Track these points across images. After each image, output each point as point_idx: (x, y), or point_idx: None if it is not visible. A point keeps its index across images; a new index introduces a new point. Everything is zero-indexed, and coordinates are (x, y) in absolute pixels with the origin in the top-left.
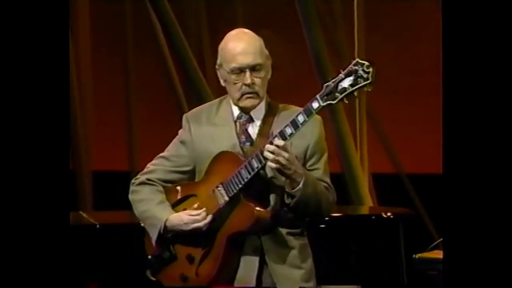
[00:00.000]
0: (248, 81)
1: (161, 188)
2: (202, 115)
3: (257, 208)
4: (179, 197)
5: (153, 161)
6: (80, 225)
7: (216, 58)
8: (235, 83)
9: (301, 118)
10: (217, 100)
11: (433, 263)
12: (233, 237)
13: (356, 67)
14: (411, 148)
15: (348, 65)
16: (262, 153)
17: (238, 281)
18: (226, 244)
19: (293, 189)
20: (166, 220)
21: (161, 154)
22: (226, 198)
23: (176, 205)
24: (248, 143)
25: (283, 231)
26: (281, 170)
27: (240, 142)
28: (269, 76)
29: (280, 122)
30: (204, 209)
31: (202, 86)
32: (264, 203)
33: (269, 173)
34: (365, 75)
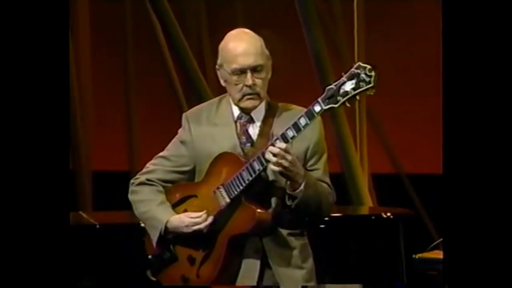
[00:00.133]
0: (250, 82)
1: (161, 188)
2: (202, 115)
3: (259, 210)
4: (179, 197)
5: (153, 161)
6: (80, 225)
7: (216, 58)
8: (236, 84)
9: (303, 121)
10: (216, 99)
11: (433, 263)
12: (235, 239)
13: (358, 71)
14: (411, 148)
15: (350, 68)
16: (263, 155)
17: (239, 282)
18: (227, 246)
19: (294, 190)
20: (167, 222)
21: (161, 154)
22: (227, 200)
23: (176, 206)
24: (248, 144)
25: (284, 232)
26: (283, 172)
27: (240, 143)
28: (269, 76)
29: (280, 123)
30: (205, 211)
31: (202, 86)
32: (265, 205)
33: (270, 175)
34: (367, 79)
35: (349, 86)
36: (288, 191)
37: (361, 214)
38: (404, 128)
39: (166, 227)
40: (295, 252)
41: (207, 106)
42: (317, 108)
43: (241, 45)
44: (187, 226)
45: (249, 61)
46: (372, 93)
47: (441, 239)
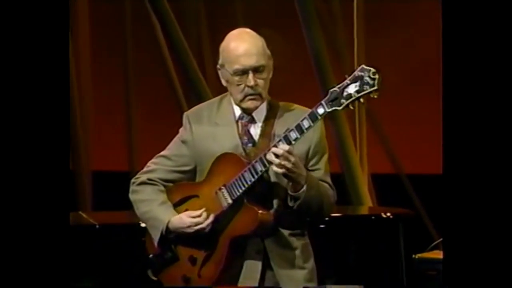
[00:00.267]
0: (251, 83)
1: (162, 188)
2: (203, 114)
3: (261, 211)
4: (181, 197)
5: (154, 160)
6: (80, 225)
7: (215, 58)
8: (237, 85)
9: (306, 123)
10: (217, 98)
11: (432, 263)
12: (236, 240)
13: (362, 73)
14: (411, 148)
15: (354, 70)
16: (266, 156)
17: (241, 283)
18: (229, 247)
19: (296, 191)
20: (168, 222)
21: (162, 153)
22: (229, 201)
23: (178, 205)
24: (250, 144)
25: (286, 232)
26: (286, 174)
27: (242, 143)
28: (270, 76)
29: (281, 123)
30: (204, 209)
31: (202, 86)
32: (267, 206)
33: (272, 176)
34: (371, 82)
35: (352, 88)
36: (290, 192)
37: (361, 214)
38: (403, 128)
39: (167, 227)
40: (297, 253)
41: (208, 105)
42: (321, 111)
43: (242, 46)
44: (188, 226)
45: (251, 61)
46: (375, 96)
47: (441, 239)
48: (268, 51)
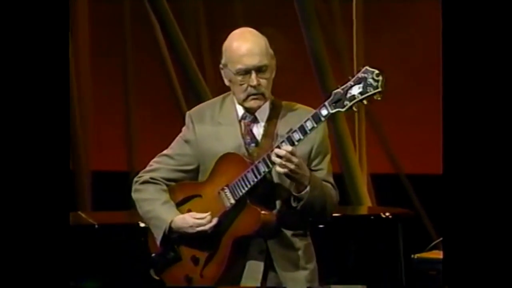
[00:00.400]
0: (254, 82)
1: (165, 187)
2: (205, 114)
3: (263, 212)
4: (183, 196)
5: (156, 159)
6: (79, 225)
7: (215, 58)
8: (240, 84)
9: (309, 124)
10: (220, 97)
11: (432, 263)
12: (239, 241)
13: (366, 75)
14: (410, 148)
15: (358, 72)
16: (269, 157)
17: (243, 283)
18: (232, 247)
19: (300, 192)
20: (171, 222)
21: (164, 152)
22: (232, 201)
23: (180, 205)
24: (253, 144)
25: (288, 233)
26: (289, 174)
27: (245, 143)
28: (273, 75)
29: (284, 123)
30: (209, 212)
31: (201, 86)
32: (270, 206)
33: (275, 177)
34: (374, 83)
35: (356, 90)
36: (294, 193)
37: (360, 214)
38: (403, 128)
39: (170, 227)
40: (299, 253)
41: (211, 105)
42: (324, 112)
43: (245, 45)
44: (191, 226)
45: (253, 61)
46: (379, 98)
47: (440, 239)
48: (271, 51)
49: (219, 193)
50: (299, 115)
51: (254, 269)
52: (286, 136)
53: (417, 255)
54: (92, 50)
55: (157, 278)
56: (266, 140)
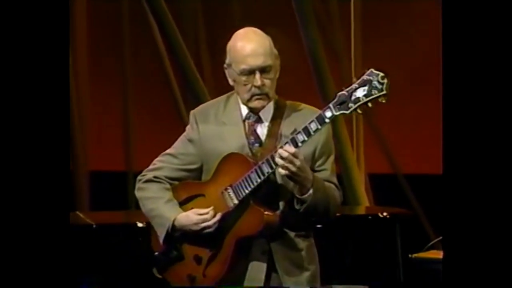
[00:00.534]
0: (258, 83)
1: (168, 186)
2: (209, 113)
3: (266, 213)
4: (187, 195)
5: (160, 158)
6: (77, 225)
7: (213, 58)
8: (244, 85)
9: (313, 126)
10: (224, 96)
11: (429, 263)
12: (242, 241)
13: (371, 77)
14: (408, 148)
15: (362, 74)
16: (273, 158)
17: (246, 283)
18: (235, 247)
19: (303, 194)
20: (175, 220)
21: (168, 151)
22: (236, 201)
23: (184, 204)
24: (257, 144)
25: (291, 233)
26: (291, 176)
27: (249, 143)
28: (277, 75)
29: (288, 123)
30: (212, 207)
31: (199, 86)
32: (273, 207)
33: (279, 178)
34: (379, 86)
35: (360, 92)
36: (297, 195)
37: (358, 214)
38: (400, 128)
39: (173, 225)
40: (302, 254)
41: (214, 104)
42: (328, 114)
43: (249, 45)
44: (195, 223)
45: (258, 62)
46: (384, 101)
47: (438, 239)
48: (275, 51)
49: (222, 193)
50: (303, 115)
51: (257, 269)
52: (290, 137)
53: (414, 255)
54: (90, 50)
55: (159, 276)
56: (270, 140)
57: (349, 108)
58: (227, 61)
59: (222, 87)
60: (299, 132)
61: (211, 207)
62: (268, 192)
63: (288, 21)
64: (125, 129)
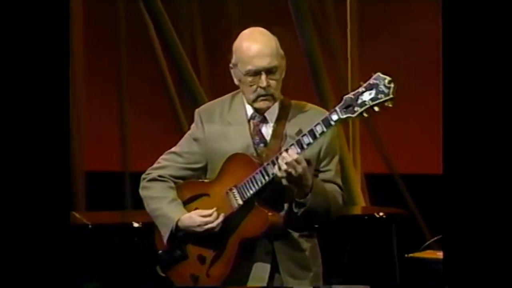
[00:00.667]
0: (264, 84)
1: (172, 185)
2: (215, 112)
3: (271, 214)
4: (191, 195)
5: (164, 156)
6: (73, 225)
7: (209, 57)
8: (250, 85)
9: (319, 129)
10: (229, 95)
11: (425, 263)
12: (246, 242)
13: (377, 81)
14: (404, 148)
15: (369, 78)
16: (278, 159)
17: (250, 283)
18: (239, 248)
19: (301, 198)
20: (178, 220)
21: (173, 150)
22: (240, 202)
23: (188, 203)
24: (262, 144)
25: (295, 234)
26: (290, 181)
27: (254, 143)
28: (283, 75)
29: (293, 123)
30: (215, 208)
31: (195, 86)
32: (278, 208)
33: (284, 179)
34: (386, 90)
35: (367, 96)
36: (296, 199)
37: (354, 214)
38: (397, 128)
39: (177, 226)
40: (305, 254)
41: (219, 103)
42: (335, 117)
43: (255, 46)
44: (199, 225)
45: (263, 63)
46: (390, 105)
47: (434, 239)
48: (281, 51)
49: (227, 193)
50: (309, 115)
51: (260, 270)
52: (296, 139)
53: (410, 255)
54: (86, 50)
55: (163, 275)
56: (275, 141)
57: (355, 112)
58: (232, 61)
59: (218, 87)
60: (304, 135)
61: (215, 208)
62: (272, 193)
63: (285, 21)
64: (121, 129)
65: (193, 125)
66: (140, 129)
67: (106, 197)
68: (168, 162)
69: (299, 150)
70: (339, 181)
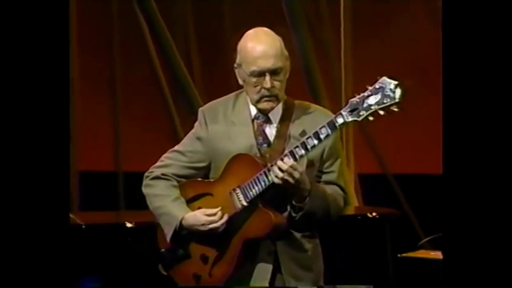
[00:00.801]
0: (268, 85)
1: (175, 183)
2: (218, 111)
3: (275, 215)
4: (194, 194)
5: (168, 155)
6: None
7: (202, 58)
8: (254, 86)
9: (324, 132)
10: (232, 95)
11: (418, 263)
12: (249, 243)
13: (383, 85)
14: (398, 148)
15: (375, 82)
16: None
17: (252, 283)
18: (242, 248)
19: (299, 202)
20: (182, 219)
21: (176, 148)
22: (244, 203)
23: (191, 202)
24: (265, 145)
25: (297, 234)
26: (288, 186)
27: (257, 144)
28: (287, 76)
29: (297, 124)
30: (220, 208)
31: (189, 87)
32: (281, 209)
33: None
34: (391, 94)
35: (373, 100)
36: (294, 202)
37: (347, 214)
38: (390, 128)
39: (181, 224)
40: (307, 255)
41: (223, 102)
42: (340, 120)
43: (260, 47)
44: (203, 224)
45: (268, 64)
46: (396, 109)
47: (427, 239)
48: (285, 52)
49: (230, 193)
50: (312, 116)
51: (263, 270)
52: (301, 141)
53: (404, 255)
54: (79, 51)
55: (165, 273)
56: (278, 141)
57: (360, 116)
58: (237, 60)
59: (212, 87)
60: (309, 137)
61: (219, 208)
62: (276, 194)
63: (278, 22)
64: (115, 130)
65: (196, 124)
66: (134, 129)
67: (99, 197)
68: (171, 161)
69: (292, 161)
70: (341, 183)
